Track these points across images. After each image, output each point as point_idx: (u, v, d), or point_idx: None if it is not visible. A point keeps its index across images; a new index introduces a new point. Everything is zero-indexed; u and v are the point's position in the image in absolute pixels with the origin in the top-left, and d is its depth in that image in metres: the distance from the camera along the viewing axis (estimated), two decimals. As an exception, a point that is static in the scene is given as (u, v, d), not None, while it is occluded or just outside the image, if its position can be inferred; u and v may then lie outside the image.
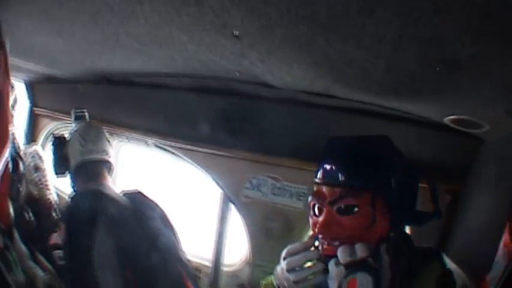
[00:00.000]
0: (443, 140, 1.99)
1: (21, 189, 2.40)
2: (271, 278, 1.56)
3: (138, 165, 3.26)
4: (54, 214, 2.63)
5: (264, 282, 1.61)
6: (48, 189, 2.71)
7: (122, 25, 1.56)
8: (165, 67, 2.20)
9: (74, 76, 2.82)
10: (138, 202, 2.32)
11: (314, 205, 1.42)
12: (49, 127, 3.35)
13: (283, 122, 2.35)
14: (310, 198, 1.43)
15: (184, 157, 2.78)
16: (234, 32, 1.40)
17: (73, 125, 2.50)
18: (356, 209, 1.32)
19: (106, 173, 2.40)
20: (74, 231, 2.15)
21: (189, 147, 2.71)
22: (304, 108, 2.30)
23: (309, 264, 1.39)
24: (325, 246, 1.36)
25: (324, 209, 1.36)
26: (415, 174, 1.38)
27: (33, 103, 3.37)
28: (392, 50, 1.27)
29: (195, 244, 2.93)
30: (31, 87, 3.31)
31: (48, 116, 3.32)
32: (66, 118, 2.90)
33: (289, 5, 1.13)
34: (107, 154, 2.42)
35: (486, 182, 1.80)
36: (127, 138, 3.03)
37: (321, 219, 1.35)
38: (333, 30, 1.23)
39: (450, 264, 1.50)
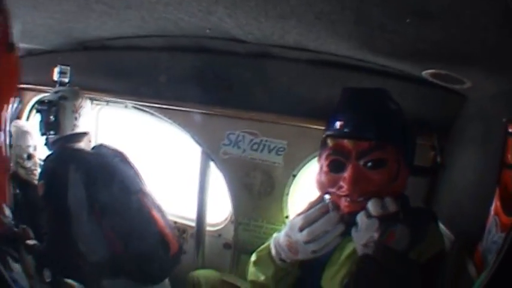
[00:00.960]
0: (424, 94, 1.92)
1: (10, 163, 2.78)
2: (265, 247, 1.47)
3: (118, 128, 3.29)
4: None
5: (257, 253, 1.51)
6: (34, 175, 2.92)
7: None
8: (137, 29, 2.24)
9: (53, 47, 2.93)
10: (100, 148, 2.71)
11: (332, 161, 1.33)
12: (33, 100, 3.45)
13: (258, 77, 2.31)
14: (326, 153, 1.34)
15: (162, 116, 2.77)
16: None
17: (57, 86, 2.66)
18: (385, 163, 1.27)
19: (82, 139, 2.67)
20: (51, 182, 2.48)
21: (165, 106, 2.70)
22: (277, 62, 2.23)
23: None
24: (346, 204, 1.29)
25: (349, 164, 1.28)
26: (415, 127, 1.39)
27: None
28: (359, 1, 1.20)
29: (178, 205, 2.97)
30: (17, 64, 3.43)
31: (31, 90, 3.40)
32: (48, 90, 2.93)
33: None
34: (89, 127, 2.75)
35: (471, 140, 1.74)
36: (106, 102, 3.08)
37: (347, 174, 1.27)
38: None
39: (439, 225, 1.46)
